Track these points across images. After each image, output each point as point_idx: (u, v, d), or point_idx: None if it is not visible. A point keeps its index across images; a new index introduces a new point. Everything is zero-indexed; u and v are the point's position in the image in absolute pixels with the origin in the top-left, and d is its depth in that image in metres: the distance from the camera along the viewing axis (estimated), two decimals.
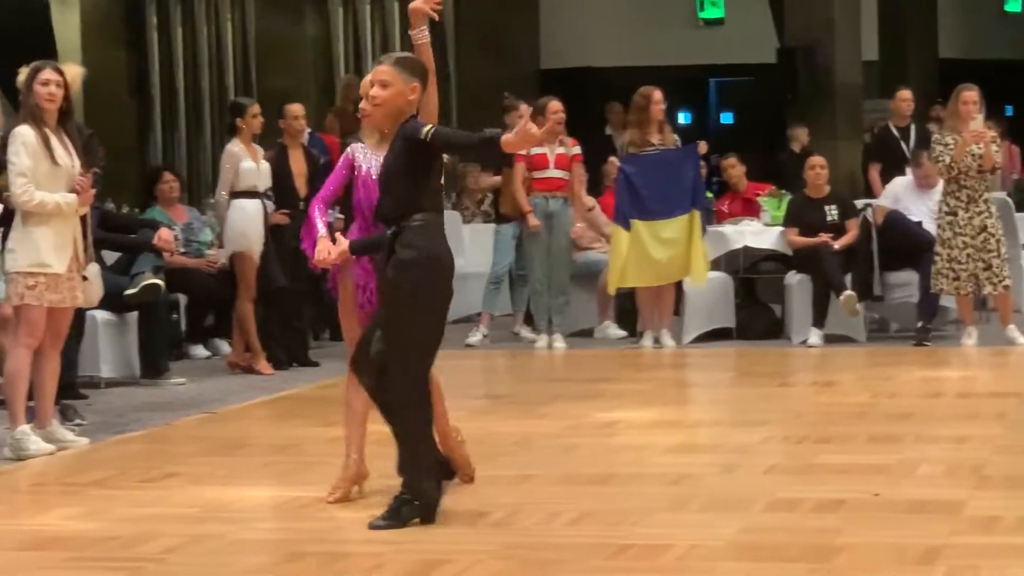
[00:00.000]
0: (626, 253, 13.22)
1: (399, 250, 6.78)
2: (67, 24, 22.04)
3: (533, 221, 13.38)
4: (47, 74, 8.89)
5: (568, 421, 9.66)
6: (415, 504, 6.72)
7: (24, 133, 8.79)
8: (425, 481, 6.75)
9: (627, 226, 13.25)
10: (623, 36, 22.29)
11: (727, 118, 23.88)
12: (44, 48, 20.17)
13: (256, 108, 12.56)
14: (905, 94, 15.72)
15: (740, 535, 6.51)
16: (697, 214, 13.31)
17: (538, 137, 6.72)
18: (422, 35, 7.28)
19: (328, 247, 7.18)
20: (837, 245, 13.47)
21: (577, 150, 13.75)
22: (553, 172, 13.56)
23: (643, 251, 13.22)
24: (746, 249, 14.12)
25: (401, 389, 6.80)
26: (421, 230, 6.83)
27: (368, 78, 7.23)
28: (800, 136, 18.00)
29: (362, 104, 7.32)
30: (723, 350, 13.37)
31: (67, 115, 9.01)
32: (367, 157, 7.42)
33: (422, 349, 6.91)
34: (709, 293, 13.70)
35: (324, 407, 10.63)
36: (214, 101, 22.91)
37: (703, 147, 13.95)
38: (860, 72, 20.58)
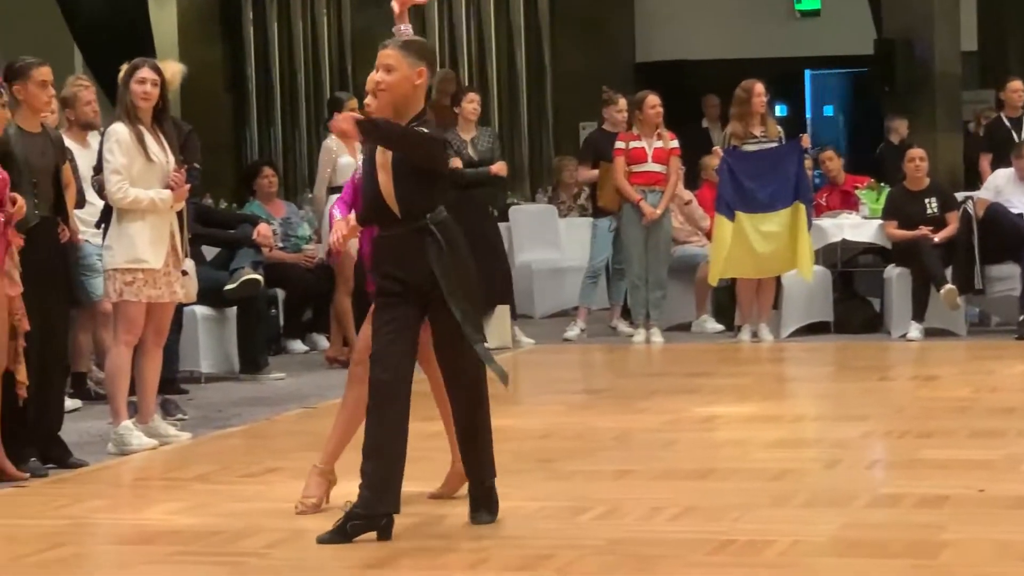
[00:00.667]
0: (724, 245, 13.21)
1: (448, 241, 6.71)
2: (164, 21, 22.23)
3: (648, 210, 13.39)
4: (144, 72, 8.93)
5: (667, 416, 9.65)
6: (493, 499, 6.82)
7: (118, 131, 8.87)
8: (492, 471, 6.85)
9: (731, 216, 13.24)
10: (719, 29, 22.19)
11: (828, 110, 23.69)
12: (142, 45, 20.35)
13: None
14: (1016, 84, 15.56)
15: (843, 531, 6.49)
16: (802, 208, 13.25)
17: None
18: (407, 31, 7.13)
19: (341, 227, 7.19)
20: (937, 238, 13.39)
21: (675, 144, 13.76)
22: (651, 166, 13.58)
23: (745, 243, 13.21)
24: (844, 242, 14.08)
25: (480, 382, 6.84)
26: (450, 223, 6.82)
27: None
28: (899, 128, 17.87)
29: (368, 92, 7.13)
30: (822, 344, 13.32)
31: (163, 112, 9.06)
32: None
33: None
34: (807, 287, 13.65)
35: (422, 402, 10.61)
36: (310, 96, 23.01)
37: (806, 141, 13.93)
38: (959, 63, 20.38)
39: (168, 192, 8.98)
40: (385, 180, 6.72)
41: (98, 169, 9.47)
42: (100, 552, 6.70)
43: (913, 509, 6.78)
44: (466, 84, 18.62)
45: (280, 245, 13.05)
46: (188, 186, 9.29)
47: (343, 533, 6.43)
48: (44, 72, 8.62)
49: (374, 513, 6.46)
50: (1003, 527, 6.32)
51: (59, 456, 8.41)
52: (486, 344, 6.74)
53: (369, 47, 24.50)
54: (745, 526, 6.50)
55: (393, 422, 6.63)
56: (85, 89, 10.52)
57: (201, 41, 22.31)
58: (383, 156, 6.76)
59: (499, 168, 13.51)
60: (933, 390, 10.58)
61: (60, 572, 6.22)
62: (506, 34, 22.95)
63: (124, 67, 9.05)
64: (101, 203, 9.56)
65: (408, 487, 7.52)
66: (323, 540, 6.43)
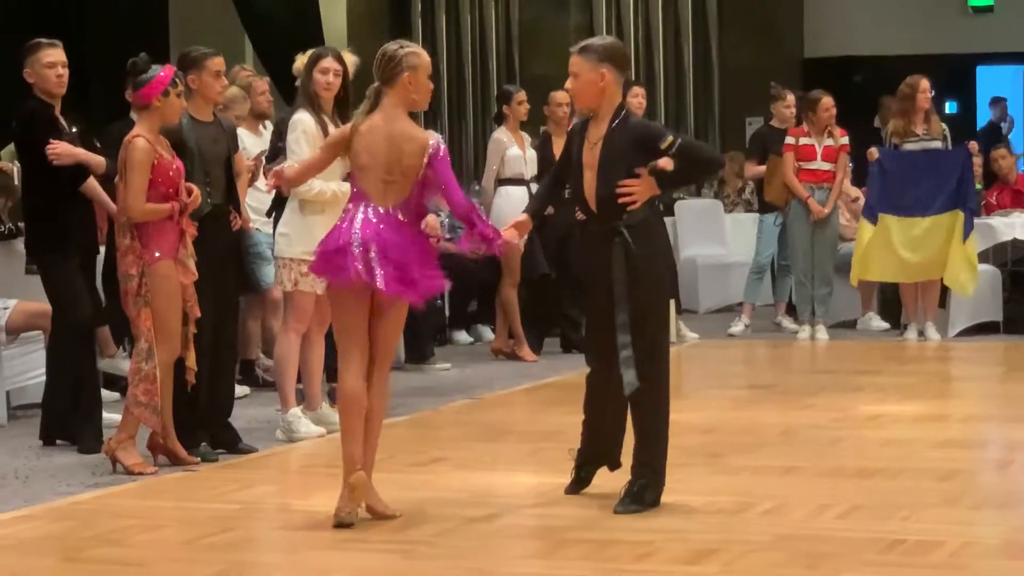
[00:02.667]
0: (866, 246, 13.11)
1: (639, 244, 6.83)
2: (334, 12, 22.45)
3: (816, 207, 13.34)
4: (327, 62, 8.99)
5: (833, 413, 9.59)
6: (657, 488, 6.86)
7: (304, 121, 8.92)
8: (663, 466, 6.90)
9: (873, 220, 13.13)
10: (888, 24, 21.96)
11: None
12: (311, 36, 20.56)
13: (522, 95, 12.67)
14: None
15: (1015, 533, 6.43)
16: (961, 216, 13.02)
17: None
18: None
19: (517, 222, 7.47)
20: None
21: (845, 140, 13.68)
22: (820, 164, 13.52)
23: (889, 247, 13.06)
24: (1015, 241, 13.88)
25: (657, 378, 6.89)
26: (648, 223, 6.95)
27: None
28: None
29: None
30: (990, 344, 13.15)
31: (343, 103, 9.07)
32: None
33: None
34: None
35: (572, 395, 10.69)
36: (477, 88, 23.11)
37: (974, 147, 13.69)
38: None
39: (348, 184, 9.03)
40: (589, 178, 6.98)
41: (270, 158, 9.59)
42: (269, 536, 6.79)
43: None
44: (632, 78, 18.62)
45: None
46: None
47: (642, 501, 6.82)
48: (217, 62, 8.71)
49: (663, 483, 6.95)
50: None
51: (229, 442, 8.53)
52: (631, 354, 6.78)
53: (537, 39, 24.80)
54: (914, 526, 6.45)
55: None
56: (259, 78, 10.62)
57: (370, 33, 22.48)
58: (590, 155, 6.97)
59: (665, 163, 13.45)
60: None
61: (231, 555, 6.31)
62: (673, 29, 22.89)
63: (302, 56, 9.13)
64: (271, 193, 9.69)
65: (559, 478, 7.58)
66: (623, 511, 6.77)
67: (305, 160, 7.83)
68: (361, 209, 6.75)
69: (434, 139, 6.85)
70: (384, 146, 6.81)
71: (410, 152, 6.81)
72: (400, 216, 6.77)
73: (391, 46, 6.94)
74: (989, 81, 22.71)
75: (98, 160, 8.72)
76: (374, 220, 6.71)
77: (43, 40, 8.75)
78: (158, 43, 19.22)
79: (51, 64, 8.67)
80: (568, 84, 7.03)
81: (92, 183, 8.82)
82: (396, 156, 6.81)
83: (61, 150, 8.56)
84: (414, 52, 6.89)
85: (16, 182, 10.55)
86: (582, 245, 7.29)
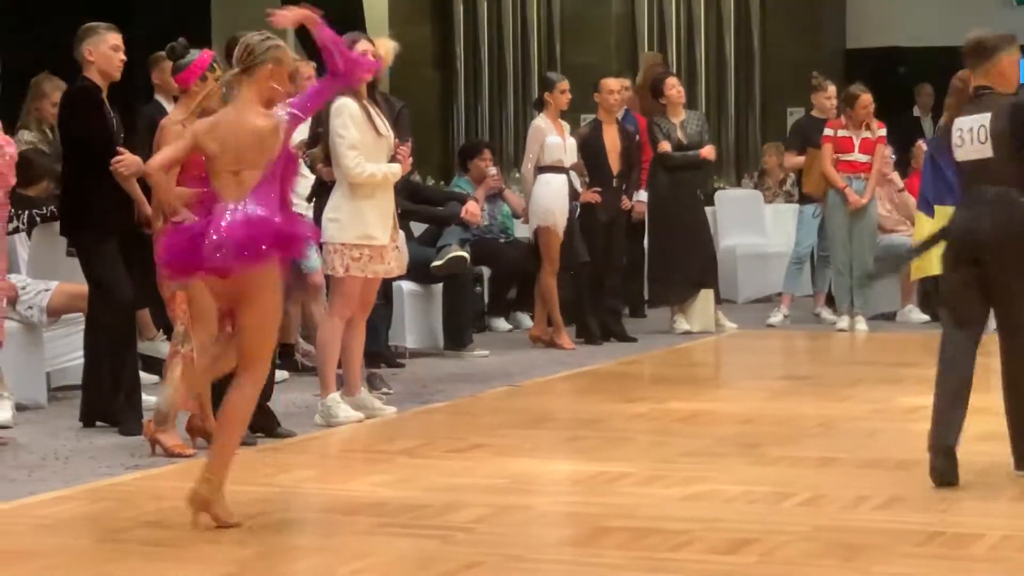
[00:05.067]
0: (926, 239, 13.02)
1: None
2: (376, 1, 22.48)
3: (853, 196, 13.33)
4: (363, 45, 8.96)
5: (871, 405, 9.56)
6: None
7: (350, 105, 8.90)
8: None
9: (930, 213, 13.04)
10: (931, 15, 21.86)
11: None
12: (354, 23, 20.60)
13: (565, 83, 12.63)
14: None
15: None
16: None
17: None
18: None
19: None
20: None
21: (882, 132, 13.66)
22: (857, 156, 13.51)
23: None
24: None
25: None
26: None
27: None
28: None
29: None
30: None
31: (373, 87, 9.13)
32: None
33: None
34: None
35: (626, 383, 10.69)
36: (517, 76, 23.09)
37: None
38: None
39: (397, 166, 9.06)
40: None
41: (310, 144, 9.58)
42: (308, 520, 6.80)
43: None
44: (673, 69, 18.60)
45: (485, 223, 13.12)
46: (411, 159, 9.38)
47: None
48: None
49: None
50: None
51: (267, 426, 8.52)
52: None
53: (579, 28, 24.76)
54: (953, 518, 6.43)
55: None
56: (305, 64, 10.58)
57: (411, 20, 22.50)
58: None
59: (708, 152, 13.51)
60: None
61: (269, 538, 6.32)
62: (715, 19, 22.83)
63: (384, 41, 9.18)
64: (312, 177, 9.70)
65: (612, 467, 7.58)
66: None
67: (166, 154, 7.19)
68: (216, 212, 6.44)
69: (281, 112, 6.58)
70: (233, 139, 6.49)
71: (261, 140, 6.48)
72: (255, 209, 6.41)
73: (254, 36, 6.68)
74: None
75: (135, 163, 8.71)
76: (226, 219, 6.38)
77: (102, 24, 8.77)
78: (201, 27, 19.29)
79: (116, 47, 8.71)
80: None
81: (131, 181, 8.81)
82: (245, 147, 6.47)
83: (129, 161, 8.58)
84: (278, 45, 6.66)
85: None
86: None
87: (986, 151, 7.24)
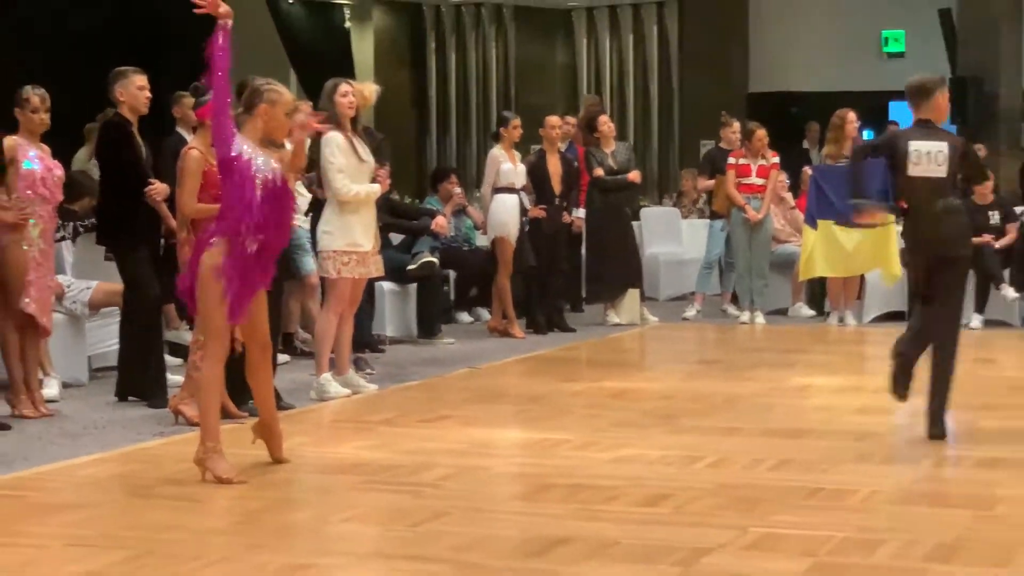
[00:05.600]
0: (811, 248, 13.09)
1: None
2: (363, 47, 22.46)
3: (752, 213, 13.38)
4: (345, 87, 9.04)
5: (768, 384, 9.60)
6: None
7: (336, 138, 8.91)
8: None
9: (814, 226, 13.12)
10: (819, 66, 22.01)
11: None
12: (344, 68, 20.55)
13: (517, 121, 12.65)
14: None
15: (914, 484, 6.44)
16: (891, 217, 13.01)
17: None
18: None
19: None
20: (998, 244, 13.16)
21: (775, 160, 13.71)
22: (755, 179, 13.56)
23: (834, 245, 13.01)
24: None
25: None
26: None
27: None
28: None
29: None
30: (898, 329, 12.79)
31: (356, 120, 9.11)
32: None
33: None
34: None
35: (566, 366, 10.71)
36: (480, 113, 23.14)
37: None
38: (1020, 98, 20.10)
39: (377, 186, 9.09)
40: None
41: (308, 169, 9.55)
42: (305, 479, 6.78)
43: (972, 469, 6.71)
44: (606, 109, 18.63)
45: (451, 234, 13.13)
46: (388, 181, 9.40)
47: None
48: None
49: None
50: None
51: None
52: None
53: (530, 74, 24.71)
54: (832, 477, 6.46)
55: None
56: (304, 103, 10.56)
57: (392, 65, 22.50)
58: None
59: (634, 176, 13.55)
60: (991, 371, 10.40)
61: (273, 492, 6.32)
62: (642, 67, 22.94)
63: (325, 87, 9.14)
64: (309, 195, 9.70)
65: (554, 435, 7.58)
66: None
67: (188, 188, 7.80)
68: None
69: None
70: None
71: None
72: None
73: (258, 81, 6.68)
74: (900, 114, 22.70)
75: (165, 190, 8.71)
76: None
77: (130, 68, 8.74)
78: None
79: (142, 87, 8.67)
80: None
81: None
82: None
83: (159, 189, 8.60)
84: (275, 90, 6.63)
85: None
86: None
87: (941, 172, 7.56)
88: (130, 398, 8.87)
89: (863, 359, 11.66)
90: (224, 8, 6.65)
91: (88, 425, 8.14)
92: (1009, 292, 13.00)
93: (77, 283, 9.75)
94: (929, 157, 7.55)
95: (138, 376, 8.82)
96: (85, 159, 13.08)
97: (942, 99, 7.65)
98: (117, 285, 9.19)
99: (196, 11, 6.66)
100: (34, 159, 8.50)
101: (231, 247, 6.43)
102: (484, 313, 13.62)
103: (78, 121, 13.61)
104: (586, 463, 6.84)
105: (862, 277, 13.53)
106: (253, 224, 6.44)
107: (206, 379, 6.61)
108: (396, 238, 12.57)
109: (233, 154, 6.47)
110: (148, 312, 8.79)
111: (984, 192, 13.48)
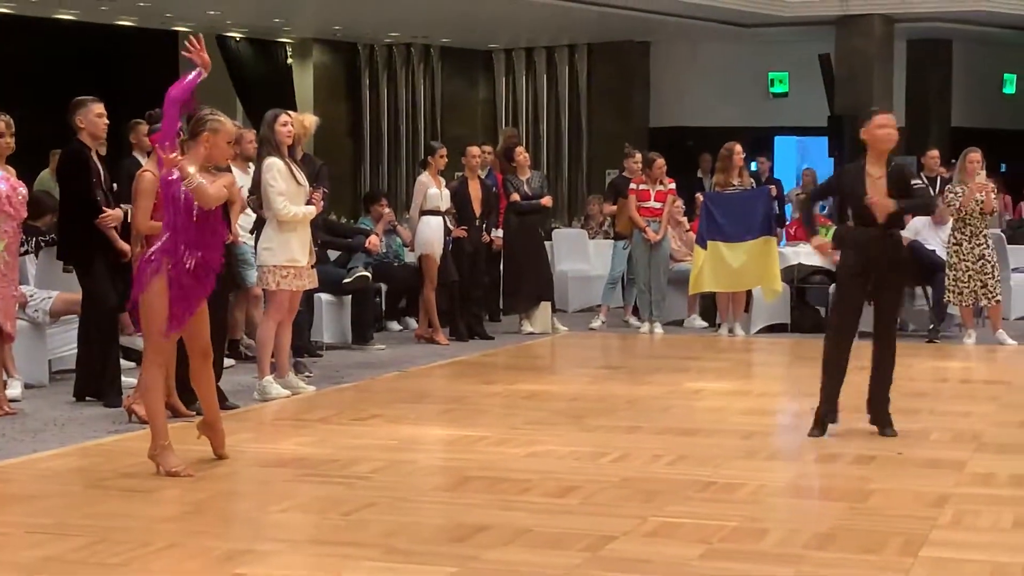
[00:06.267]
0: (700, 266, 13.18)
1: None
2: (303, 82, 22.40)
3: (651, 234, 13.44)
4: (284, 117, 9.00)
5: (665, 388, 9.61)
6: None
7: (277, 164, 8.87)
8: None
9: (704, 246, 13.21)
10: (712, 104, 22.21)
11: (791, 168, 23.55)
12: (286, 100, 20.48)
13: (443, 150, 12.65)
14: (934, 153, 15.40)
15: (796, 479, 6.47)
16: (773, 240, 13.18)
17: None
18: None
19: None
20: None
21: (672, 186, 13.79)
22: (653, 204, 13.61)
23: (721, 263, 13.11)
24: (800, 265, 13.98)
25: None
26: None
27: None
28: None
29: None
30: (781, 340, 13.25)
31: (293, 147, 9.07)
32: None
33: None
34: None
35: (485, 370, 10.68)
36: (408, 143, 23.12)
37: (773, 190, 13.88)
38: None
39: (312, 207, 9.02)
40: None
41: (252, 191, 9.48)
42: (247, 472, 6.70)
43: (849, 465, 6.73)
44: (522, 140, 18.64)
45: (383, 251, 13.07)
46: (323, 203, 9.36)
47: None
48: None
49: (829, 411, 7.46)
50: (916, 481, 6.26)
51: (218, 400, 8.40)
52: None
53: (454, 108, 24.71)
54: (723, 472, 6.47)
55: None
56: (248, 131, 10.52)
57: (330, 99, 22.42)
58: (875, 187, 7.34)
59: (547, 201, 13.58)
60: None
61: (217, 484, 6.24)
62: (555, 103, 23.01)
63: (266, 116, 9.09)
64: (253, 215, 9.61)
65: (474, 432, 7.55)
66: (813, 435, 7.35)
67: (143, 207, 7.72)
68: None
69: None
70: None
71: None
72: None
73: (204, 111, 6.59)
74: (783, 147, 22.96)
75: (118, 216, 8.61)
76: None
77: (89, 97, 8.64)
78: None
79: (100, 115, 8.57)
80: (891, 129, 7.38)
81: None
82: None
83: (112, 216, 8.53)
84: (218, 119, 6.55)
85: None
86: (857, 244, 7.53)
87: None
88: (87, 398, 8.73)
89: (750, 366, 11.73)
90: (206, 60, 6.72)
91: (48, 422, 8.00)
92: None
93: (39, 293, 9.60)
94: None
95: (95, 378, 8.70)
96: (48, 179, 12.93)
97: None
98: (76, 295, 9.06)
99: (185, 54, 6.74)
100: (0, 180, 8.37)
101: (171, 263, 6.35)
102: (412, 322, 13.57)
103: (40, 146, 13.44)
104: (502, 458, 6.82)
105: (749, 294, 13.62)
106: (190, 242, 6.37)
107: (146, 384, 6.55)
108: (333, 254, 12.52)
109: (172, 178, 6.41)
110: (104, 320, 8.67)
111: None
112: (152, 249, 6.52)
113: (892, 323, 7.77)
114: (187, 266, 6.38)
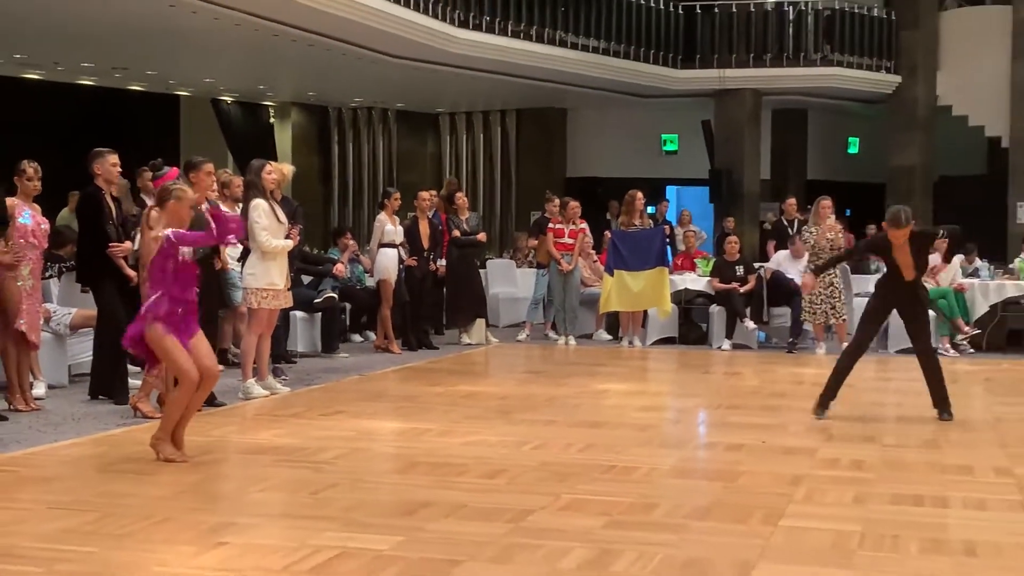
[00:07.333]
0: (609, 290, 13.27)
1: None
2: (283, 137, 22.25)
3: (565, 265, 13.50)
4: (270, 167, 8.95)
5: (578, 388, 9.64)
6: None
7: (262, 205, 8.83)
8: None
9: (611, 273, 13.29)
10: (617, 159, 22.36)
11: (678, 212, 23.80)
12: (269, 151, 20.35)
13: (398, 194, 12.62)
14: (792, 201, 15.63)
15: (681, 463, 6.48)
16: (665, 270, 13.30)
17: None
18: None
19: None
20: (742, 290, 13.42)
21: (584, 226, 13.86)
22: (567, 240, 13.68)
23: (624, 288, 13.20)
24: (686, 290, 14.09)
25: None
26: None
27: None
28: (727, 224, 17.94)
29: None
30: (671, 350, 13.33)
31: (273, 193, 9.01)
32: None
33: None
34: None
35: (431, 374, 10.65)
36: (370, 189, 23.02)
37: (668, 230, 14.00)
38: (759, 185, 20.57)
39: (290, 241, 8.96)
40: (905, 262, 7.81)
41: None
42: (233, 458, 6.63)
43: (723, 451, 6.77)
44: (463, 186, 18.67)
45: (347, 276, 13.01)
46: (299, 238, 9.32)
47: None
48: (210, 166, 8.56)
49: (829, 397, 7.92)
50: (778, 465, 6.31)
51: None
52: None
53: (408, 159, 24.59)
54: (623, 457, 6.49)
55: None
56: (236, 176, 10.44)
57: (305, 151, 22.30)
58: (903, 251, 7.74)
59: (482, 237, 13.60)
60: (737, 381, 10.58)
61: (208, 468, 6.16)
62: (489, 156, 23.04)
63: (252, 164, 9.03)
64: (241, 247, 9.52)
65: (421, 425, 7.51)
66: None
67: (148, 238, 7.50)
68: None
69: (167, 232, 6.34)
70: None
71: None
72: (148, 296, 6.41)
73: (170, 183, 6.53)
74: (672, 195, 23.14)
75: (127, 248, 8.50)
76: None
77: (105, 149, 8.54)
78: (172, 152, 18.87)
79: (115, 164, 8.47)
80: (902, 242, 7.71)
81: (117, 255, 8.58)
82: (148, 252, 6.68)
83: (123, 248, 8.43)
84: (182, 189, 6.47)
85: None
86: (896, 296, 7.89)
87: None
88: (100, 397, 8.61)
89: (646, 371, 11.79)
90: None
91: (67, 417, 7.88)
92: (749, 324, 13.28)
93: (61, 309, 9.46)
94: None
95: (106, 380, 8.57)
96: (68, 216, 12.77)
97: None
98: (92, 311, 8.93)
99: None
100: (28, 216, 8.26)
101: (168, 306, 6.25)
102: (371, 335, 13.50)
103: (61, 188, 13.28)
104: (444, 446, 6.80)
105: (645, 313, 13.70)
106: (177, 292, 6.26)
107: (176, 400, 6.37)
108: (307, 279, 12.43)
109: (167, 244, 6.29)
110: (114, 332, 8.48)
111: (733, 252, 13.76)
112: (152, 293, 6.38)
113: (928, 342, 8.01)
114: (179, 311, 6.28)
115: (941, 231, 8.19)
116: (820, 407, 8.03)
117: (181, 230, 6.31)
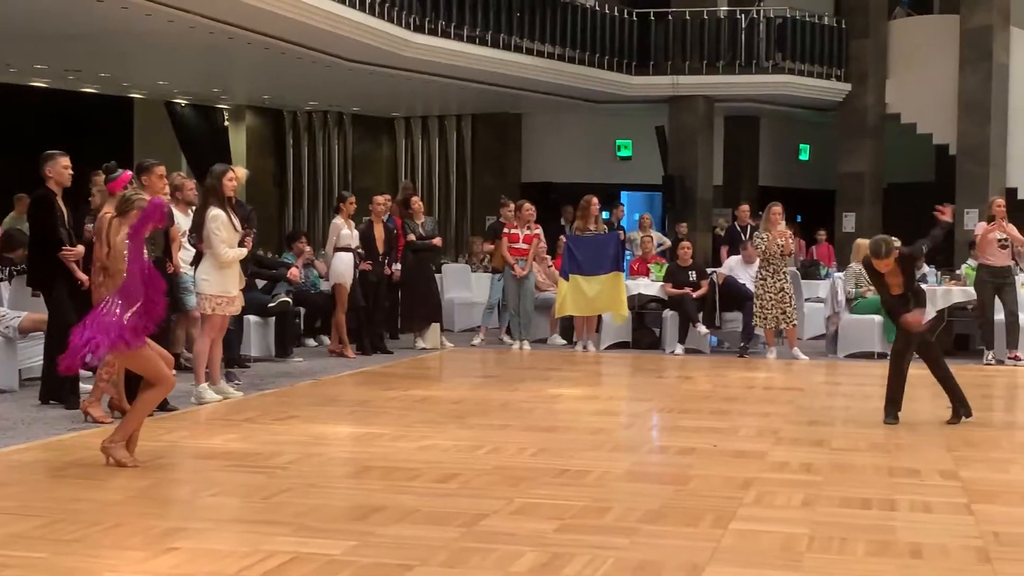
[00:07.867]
0: (564, 294, 13.31)
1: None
2: (238, 140, 22.11)
3: (519, 270, 13.51)
4: (231, 173, 8.87)
5: (531, 393, 9.64)
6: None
7: (220, 215, 8.79)
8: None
9: (566, 278, 13.33)
10: (572, 165, 22.41)
11: (635, 217, 23.88)
12: (223, 154, 20.21)
13: (353, 198, 12.59)
14: (744, 207, 15.78)
15: (633, 466, 6.50)
16: (621, 275, 13.38)
17: None
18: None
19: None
20: (695, 295, 13.51)
21: (538, 231, 13.88)
22: (522, 245, 13.69)
23: (580, 293, 13.25)
24: (640, 295, 14.15)
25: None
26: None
27: None
28: (680, 229, 18.04)
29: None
30: (625, 355, 13.39)
31: (231, 199, 8.96)
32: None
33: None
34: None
35: (385, 379, 10.62)
36: (325, 192, 22.92)
37: (622, 234, 14.09)
38: (711, 191, 20.72)
39: (244, 250, 8.91)
40: (895, 283, 7.97)
41: (192, 230, 9.34)
42: (186, 463, 6.58)
43: (675, 455, 6.80)
44: (418, 191, 18.65)
45: (302, 280, 12.95)
46: (252, 243, 9.27)
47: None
48: (161, 169, 8.51)
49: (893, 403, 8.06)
50: (727, 468, 6.35)
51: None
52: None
53: (363, 163, 24.53)
54: (575, 461, 6.51)
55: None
56: (188, 179, 10.37)
57: (259, 154, 22.17)
58: (893, 275, 7.90)
59: (437, 241, 13.60)
60: (689, 385, 10.64)
61: (159, 473, 6.11)
62: (444, 161, 23.03)
63: (214, 169, 8.94)
64: (194, 251, 9.46)
65: (374, 429, 7.49)
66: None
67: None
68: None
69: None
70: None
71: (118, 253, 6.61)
72: (113, 303, 6.28)
73: (129, 192, 6.55)
74: (627, 200, 23.24)
75: (79, 252, 8.42)
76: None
77: (57, 151, 8.45)
78: (126, 154, 18.70)
79: (67, 166, 8.37)
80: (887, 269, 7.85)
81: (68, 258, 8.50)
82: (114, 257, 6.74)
83: (75, 252, 8.34)
84: (143, 198, 6.54)
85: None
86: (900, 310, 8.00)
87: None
88: (50, 401, 8.51)
89: (599, 375, 11.83)
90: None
91: (17, 422, 7.78)
92: (702, 328, 13.37)
93: (11, 313, 9.34)
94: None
95: (57, 385, 8.47)
96: (14, 219, 12.63)
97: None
98: (42, 315, 8.84)
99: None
100: None
101: (143, 319, 6.21)
102: (325, 339, 13.46)
103: (8, 192, 13.16)
104: (397, 451, 6.78)
105: (599, 317, 13.75)
106: (143, 296, 6.22)
107: (145, 403, 6.34)
108: (261, 283, 12.37)
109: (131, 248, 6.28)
110: (65, 336, 8.39)
111: (686, 258, 13.85)
112: (111, 297, 6.31)
113: (939, 356, 8.18)
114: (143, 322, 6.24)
115: (924, 247, 8.23)
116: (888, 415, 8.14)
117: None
